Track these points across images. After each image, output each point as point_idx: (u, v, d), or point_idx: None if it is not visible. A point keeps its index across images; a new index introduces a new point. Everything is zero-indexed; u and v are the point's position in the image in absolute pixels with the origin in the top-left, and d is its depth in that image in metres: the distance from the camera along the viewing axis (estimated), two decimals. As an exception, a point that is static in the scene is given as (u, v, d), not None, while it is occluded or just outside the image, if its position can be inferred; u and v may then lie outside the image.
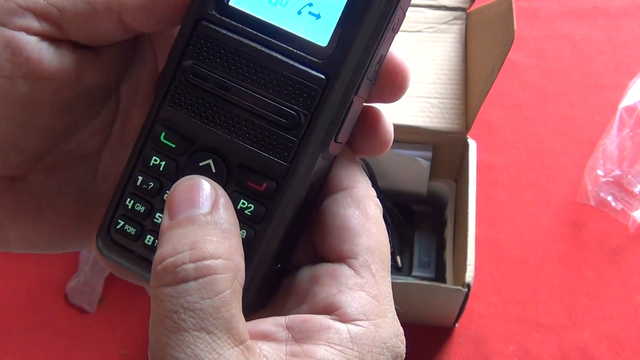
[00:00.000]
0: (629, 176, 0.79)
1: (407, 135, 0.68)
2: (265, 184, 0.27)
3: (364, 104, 0.29)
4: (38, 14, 0.26)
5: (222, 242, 0.24)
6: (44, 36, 0.26)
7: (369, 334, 0.26)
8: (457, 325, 0.72)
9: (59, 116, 0.28)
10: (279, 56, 0.26)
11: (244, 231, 0.27)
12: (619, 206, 0.78)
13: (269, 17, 0.27)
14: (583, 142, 0.83)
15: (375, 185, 0.74)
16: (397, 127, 0.67)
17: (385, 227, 0.29)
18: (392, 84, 0.29)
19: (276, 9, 0.27)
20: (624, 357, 0.70)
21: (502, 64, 0.58)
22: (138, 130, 0.30)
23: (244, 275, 0.25)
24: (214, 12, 0.27)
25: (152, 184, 0.28)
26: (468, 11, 0.72)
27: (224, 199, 0.26)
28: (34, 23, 0.26)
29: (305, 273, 0.28)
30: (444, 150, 0.70)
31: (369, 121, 0.29)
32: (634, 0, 0.94)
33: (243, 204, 0.27)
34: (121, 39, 0.28)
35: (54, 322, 0.74)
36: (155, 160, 0.28)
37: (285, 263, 0.30)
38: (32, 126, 0.27)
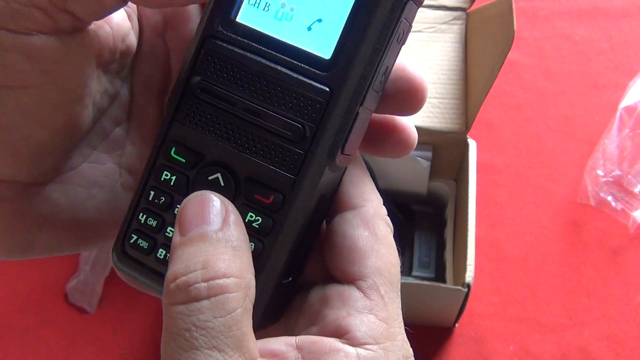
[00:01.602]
0: (629, 176, 0.79)
1: (407, 135, 0.68)
2: (272, 197, 0.27)
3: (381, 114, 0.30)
4: (42, 5, 0.25)
5: (234, 260, 0.24)
6: (54, 29, 0.26)
7: (378, 358, 0.26)
8: (457, 325, 0.72)
9: (80, 108, 0.28)
10: (284, 70, 0.26)
11: (252, 244, 0.27)
12: (619, 206, 0.78)
13: (274, 32, 0.27)
14: (583, 142, 0.83)
15: (375, 185, 0.74)
16: (397, 127, 0.67)
17: (395, 247, 0.29)
18: (411, 98, 0.29)
19: (281, 23, 0.27)
20: (624, 357, 0.70)
21: (502, 64, 0.58)
22: (155, 129, 0.31)
23: (254, 293, 0.25)
24: (220, 29, 0.27)
25: (164, 199, 0.28)
26: (468, 11, 0.72)
27: (234, 214, 0.26)
28: (41, 18, 0.25)
29: (316, 293, 0.29)
30: (444, 150, 0.70)
31: (393, 126, 0.30)
32: (634, 0, 0.94)
33: (251, 216, 0.27)
34: (120, 7, 0.28)
35: (54, 322, 0.74)
36: (167, 175, 0.28)
37: (296, 277, 0.30)
38: (61, 126, 0.27)
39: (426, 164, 0.71)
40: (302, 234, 0.28)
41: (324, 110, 0.26)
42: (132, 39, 0.30)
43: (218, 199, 0.26)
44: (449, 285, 0.65)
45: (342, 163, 0.28)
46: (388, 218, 0.30)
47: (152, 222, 0.29)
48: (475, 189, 0.65)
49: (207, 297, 0.23)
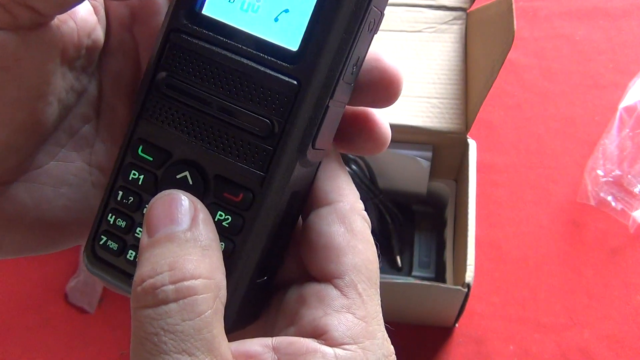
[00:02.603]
0: (629, 176, 0.79)
1: (407, 135, 0.68)
2: (241, 195, 0.26)
3: (355, 107, 0.29)
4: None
5: (202, 260, 0.24)
6: (14, 25, 0.24)
7: (357, 358, 0.25)
8: (457, 325, 0.72)
9: (44, 106, 0.27)
10: (250, 63, 0.26)
11: (223, 243, 0.26)
12: (619, 206, 0.78)
13: (240, 24, 0.26)
14: (583, 142, 0.83)
15: (375, 185, 0.74)
16: (397, 127, 0.67)
17: (373, 242, 0.28)
18: (385, 89, 0.28)
19: (247, 15, 0.26)
20: (624, 357, 0.70)
21: (502, 64, 0.58)
22: (124, 126, 0.30)
23: (225, 293, 0.24)
24: (185, 22, 0.26)
25: (132, 199, 0.28)
26: (468, 11, 0.72)
27: (203, 213, 0.25)
28: None
29: (293, 292, 0.28)
30: (444, 150, 0.70)
31: (365, 121, 0.29)
32: (634, 0, 0.94)
33: (220, 215, 0.26)
34: (81, 1, 0.27)
35: (54, 322, 0.74)
36: (134, 174, 0.28)
37: (272, 275, 0.29)
38: (23, 124, 0.27)
39: (426, 164, 0.71)
40: (274, 232, 0.28)
41: (292, 104, 0.25)
42: (99, 34, 0.29)
43: (186, 198, 0.25)
44: (449, 285, 0.65)
45: (314, 158, 0.27)
46: (365, 213, 0.29)
47: (121, 223, 0.28)
48: (475, 189, 0.65)
49: (175, 300, 0.23)
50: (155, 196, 0.25)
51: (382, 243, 0.75)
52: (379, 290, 0.28)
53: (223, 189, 0.26)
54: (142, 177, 0.28)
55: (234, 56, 0.26)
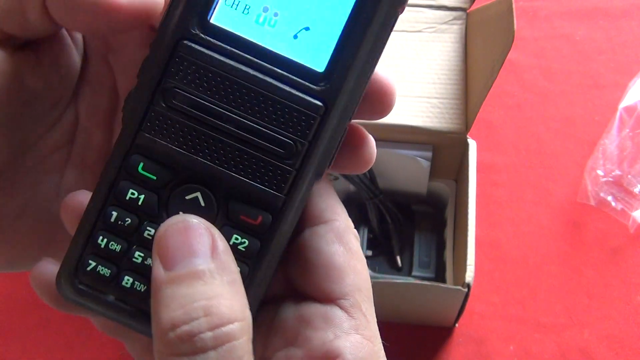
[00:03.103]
0: (629, 176, 0.79)
1: (407, 135, 0.68)
2: (260, 217, 0.25)
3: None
4: None
5: (234, 299, 0.23)
6: None
7: None
8: (457, 325, 0.72)
9: (11, 127, 0.27)
10: (274, 81, 0.25)
11: (238, 268, 0.25)
12: (619, 206, 0.78)
13: (257, 39, 0.25)
14: (583, 142, 0.83)
15: (375, 185, 0.74)
16: (397, 127, 0.67)
17: (365, 260, 0.28)
18: (379, 101, 0.27)
19: (264, 29, 0.25)
20: (624, 357, 0.70)
21: (502, 64, 0.58)
22: (100, 152, 0.29)
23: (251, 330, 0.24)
24: (197, 32, 0.25)
25: (130, 220, 0.26)
26: (468, 11, 0.72)
27: (221, 242, 0.24)
28: None
29: (290, 312, 0.27)
30: (444, 150, 0.70)
31: (355, 140, 0.28)
32: (634, 0, 0.94)
33: (236, 239, 0.25)
34: (51, 32, 0.27)
35: (54, 322, 0.74)
36: (133, 193, 0.25)
37: (265, 294, 0.28)
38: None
39: (426, 164, 0.71)
40: (283, 252, 0.27)
41: (318, 126, 0.25)
42: (75, 64, 0.29)
43: (202, 225, 0.24)
44: (449, 285, 0.65)
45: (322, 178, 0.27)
46: (355, 231, 0.29)
47: (116, 247, 0.26)
48: (475, 189, 0.65)
49: (214, 348, 0.22)
50: (166, 222, 0.24)
51: (382, 243, 0.75)
52: (374, 307, 0.28)
53: (240, 211, 0.25)
54: (142, 197, 0.25)
55: (254, 73, 0.25)
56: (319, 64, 0.25)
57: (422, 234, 0.76)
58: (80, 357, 0.72)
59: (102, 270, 0.26)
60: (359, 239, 0.29)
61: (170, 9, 0.25)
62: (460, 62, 0.69)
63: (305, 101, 0.24)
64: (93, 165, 0.30)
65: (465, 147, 0.68)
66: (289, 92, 0.24)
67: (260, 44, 0.25)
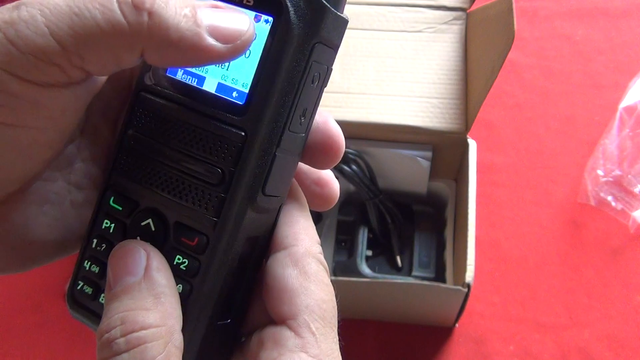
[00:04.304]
0: (629, 176, 0.79)
1: (407, 135, 0.68)
2: (196, 239, 0.28)
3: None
4: (59, 62, 0.24)
5: (154, 308, 0.26)
6: (67, 83, 0.25)
7: None
8: (457, 325, 0.72)
9: (66, 142, 0.29)
10: (205, 118, 0.27)
11: (180, 285, 0.28)
12: (619, 206, 0.78)
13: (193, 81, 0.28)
14: (583, 142, 0.83)
15: (375, 185, 0.74)
16: (397, 127, 0.67)
17: (329, 284, 0.29)
18: (325, 152, 0.30)
19: (201, 72, 0.28)
20: (624, 357, 0.70)
21: (502, 64, 0.58)
22: (108, 147, 0.31)
23: (180, 337, 0.26)
24: (150, 83, 0.29)
25: (104, 246, 0.30)
26: (468, 11, 0.72)
27: (156, 260, 0.27)
28: (55, 73, 0.24)
29: (255, 336, 0.29)
30: (444, 150, 0.70)
31: (319, 180, 0.31)
32: (634, 0, 0.94)
33: (178, 259, 0.28)
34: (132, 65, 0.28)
35: (54, 322, 0.74)
36: (107, 223, 0.30)
37: (238, 319, 0.30)
38: (45, 160, 0.28)
39: (426, 164, 0.71)
40: (232, 275, 0.29)
41: (240, 153, 0.27)
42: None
43: (139, 247, 0.27)
44: (449, 285, 0.65)
45: (267, 204, 0.29)
46: (321, 256, 0.30)
47: (95, 269, 0.30)
48: (475, 189, 0.65)
49: (127, 351, 0.24)
50: (113, 249, 0.27)
51: (382, 243, 0.75)
52: (335, 328, 0.29)
53: (181, 233, 0.28)
54: (112, 225, 0.30)
55: (188, 111, 0.28)
56: (241, 98, 0.27)
57: (422, 234, 0.76)
58: (80, 357, 0.72)
59: (87, 289, 0.30)
60: (324, 263, 0.30)
61: (140, 65, 0.29)
62: (460, 62, 0.69)
63: (228, 131, 0.27)
64: (100, 160, 0.31)
65: (465, 147, 0.68)
66: (216, 125, 0.27)
67: (196, 86, 0.28)
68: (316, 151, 0.30)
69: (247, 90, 0.27)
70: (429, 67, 0.69)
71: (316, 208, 0.32)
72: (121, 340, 0.25)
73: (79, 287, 0.30)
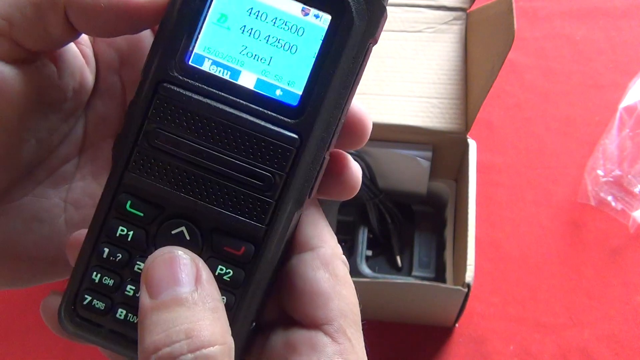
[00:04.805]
0: (629, 176, 0.79)
1: (407, 135, 0.68)
2: (243, 248, 0.26)
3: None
4: None
5: (215, 324, 0.24)
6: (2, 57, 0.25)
7: None
8: (457, 325, 0.72)
9: (28, 139, 0.27)
10: (250, 117, 0.26)
11: (224, 297, 0.26)
12: (619, 206, 0.78)
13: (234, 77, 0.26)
14: (583, 142, 0.83)
15: (375, 185, 0.74)
16: (397, 127, 0.67)
17: (353, 286, 0.29)
18: (354, 134, 0.28)
19: (236, 67, 0.26)
20: (624, 357, 0.70)
21: (502, 64, 0.58)
22: (107, 164, 0.29)
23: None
24: (175, 74, 0.26)
25: (121, 256, 0.27)
26: (468, 11, 0.72)
27: (205, 272, 0.25)
28: None
29: (278, 338, 0.28)
30: (444, 150, 0.70)
31: (338, 166, 0.29)
32: (634, 0, 0.94)
33: (221, 269, 0.26)
34: (71, 40, 0.27)
35: (54, 322, 0.74)
36: (122, 230, 0.27)
37: (258, 322, 0.29)
38: (3, 155, 0.27)
39: (426, 164, 0.71)
40: (270, 281, 0.28)
41: (294, 158, 0.26)
42: (88, 78, 0.30)
43: (187, 256, 0.25)
44: (449, 285, 0.65)
45: (306, 207, 0.28)
46: (344, 257, 0.29)
47: (109, 281, 0.27)
48: (475, 189, 0.65)
49: None
50: (153, 254, 0.25)
51: (382, 243, 0.75)
52: (362, 332, 0.29)
53: (223, 243, 0.26)
54: (131, 233, 0.27)
55: (232, 110, 0.26)
56: (293, 99, 0.26)
57: (422, 234, 0.76)
58: (80, 357, 0.72)
59: (97, 304, 0.27)
60: (348, 265, 0.29)
61: (151, 53, 0.26)
62: (460, 62, 0.69)
63: (281, 135, 0.25)
64: (101, 178, 0.30)
65: (465, 147, 0.68)
66: (265, 127, 0.26)
67: (235, 82, 0.26)
68: (346, 133, 0.28)
69: (298, 91, 0.26)
70: (429, 67, 0.69)
71: (338, 197, 0.30)
72: (189, 356, 0.22)
73: (85, 302, 0.27)
